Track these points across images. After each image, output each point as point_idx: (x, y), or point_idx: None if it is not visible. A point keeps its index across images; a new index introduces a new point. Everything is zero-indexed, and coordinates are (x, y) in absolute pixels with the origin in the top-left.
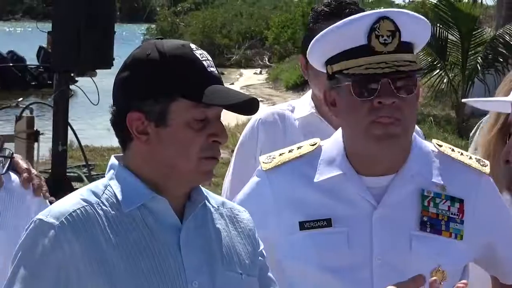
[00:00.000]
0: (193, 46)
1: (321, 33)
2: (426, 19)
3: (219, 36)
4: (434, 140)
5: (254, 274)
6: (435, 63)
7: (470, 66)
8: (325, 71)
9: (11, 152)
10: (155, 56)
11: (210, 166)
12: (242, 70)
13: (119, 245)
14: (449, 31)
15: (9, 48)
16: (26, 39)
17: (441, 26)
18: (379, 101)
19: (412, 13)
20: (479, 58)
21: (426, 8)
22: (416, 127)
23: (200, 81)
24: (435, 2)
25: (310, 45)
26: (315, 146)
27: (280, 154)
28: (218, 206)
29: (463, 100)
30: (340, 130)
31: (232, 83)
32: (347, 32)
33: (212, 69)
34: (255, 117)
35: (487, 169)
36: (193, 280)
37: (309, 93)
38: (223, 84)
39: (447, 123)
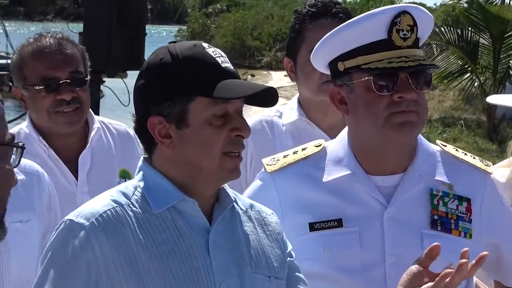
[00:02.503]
0: (205, 44)
1: (336, 29)
2: (431, 15)
3: (250, 38)
4: (438, 141)
5: (282, 277)
6: (466, 66)
7: (502, 69)
8: (327, 72)
9: (23, 143)
10: (168, 60)
11: (234, 163)
12: (273, 72)
13: (149, 246)
14: (480, 35)
15: None
16: None
17: (472, 29)
18: (400, 96)
19: (424, 9)
20: (511, 61)
21: (457, 11)
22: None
23: (214, 78)
24: (466, 5)
25: (320, 42)
26: (320, 147)
27: (285, 156)
28: (246, 209)
29: (487, 99)
30: (345, 130)
31: None
32: (367, 26)
33: (226, 64)
34: None
35: (490, 169)
36: (222, 282)
37: (295, 97)
38: (239, 78)
39: (478, 126)
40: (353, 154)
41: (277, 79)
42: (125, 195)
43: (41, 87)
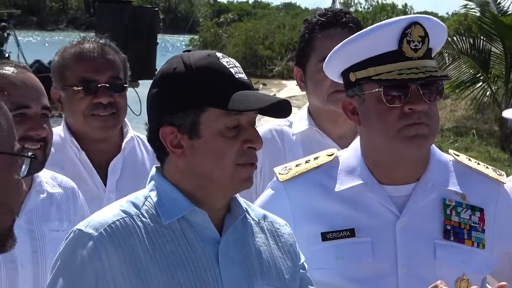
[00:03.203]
0: (219, 54)
1: (347, 39)
2: (444, 26)
3: (262, 48)
4: (451, 151)
5: None
6: (478, 75)
7: None
8: (340, 81)
9: (32, 154)
10: (181, 69)
11: (247, 173)
12: (285, 82)
13: (157, 257)
14: (492, 44)
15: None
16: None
17: (484, 38)
18: (410, 108)
19: (436, 19)
20: None
21: (469, 20)
22: None
23: (227, 89)
24: (478, 14)
25: (331, 52)
26: (332, 157)
27: (297, 165)
28: (258, 219)
29: (503, 114)
30: (357, 140)
31: (274, 95)
32: (378, 37)
33: (240, 75)
34: None
35: (504, 179)
36: None
37: (305, 106)
38: (253, 89)
39: (490, 136)
40: (365, 164)
41: (289, 88)
42: (135, 205)
43: (79, 88)
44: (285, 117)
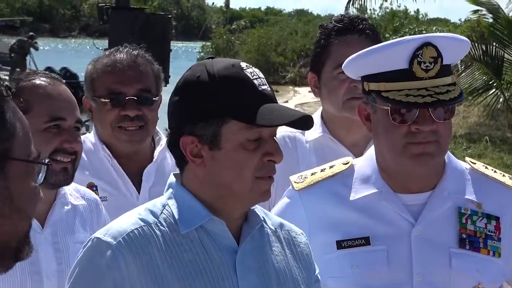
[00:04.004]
0: (243, 64)
1: (362, 51)
2: (466, 39)
3: (274, 54)
4: (467, 158)
5: None
6: (490, 82)
7: None
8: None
9: (48, 160)
10: (205, 78)
11: (266, 186)
12: (297, 88)
13: (175, 266)
14: (505, 50)
15: (63, 65)
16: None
17: (497, 45)
18: (416, 128)
19: (454, 36)
20: None
21: (481, 26)
22: None
23: (251, 102)
24: (491, 21)
25: (347, 60)
26: (348, 165)
27: (312, 174)
28: (275, 228)
29: None
30: (372, 148)
31: (287, 101)
32: (389, 54)
33: (263, 87)
34: None
35: None
36: None
37: (318, 113)
38: (276, 101)
39: (503, 142)
40: (380, 172)
41: (301, 95)
42: (153, 213)
43: (107, 100)
44: (306, 130)
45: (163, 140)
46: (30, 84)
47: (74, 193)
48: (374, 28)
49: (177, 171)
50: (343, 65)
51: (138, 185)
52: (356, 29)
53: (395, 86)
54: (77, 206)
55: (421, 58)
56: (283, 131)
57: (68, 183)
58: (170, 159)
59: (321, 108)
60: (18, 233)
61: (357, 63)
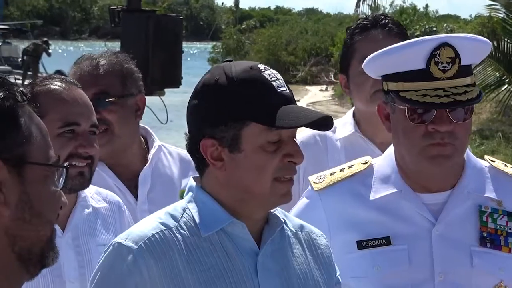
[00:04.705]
0: (261, 67)
1: (380, 51)
2: (486, 40)
3: (285, 54)
4: (486, 156)
5: None
6: (503, 78)
7: None
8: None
9: (68, 164)
10: (223, 81)
11: (286, 188)
12: (308, 87)
13: (197, 270)
14: None
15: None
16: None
17: (509, 40)
18: (433, 127)
19: (473, 36)
20: None
21: (493, 22)
22: None
23: (270, 104)
24: (503, 16)
25: (367, 60)
26: (367, 165)
27: (331, 174)
28: (296, 230)
29: None
30: (391, 147)
31: (298, 100)
32: (407, 54)
33: (282, 88)
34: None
35: None
36: None
37: (350, 111)
38: (295, 102)
39: None
40: (399, 172)
41: (312, 94)
42: (173, 217)
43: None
44: (327, 130)
45: (157, 142)
46: (45, 89)
47: (95, 196)
48: (399, 23)
49: (172, 172)
50: (363, 64)
51: (134, 190)
52: (379, 24)
53: (413, 86)
54: (99, 209)
55: (438, 59)
56: (312, 130)
57: (84, 187)
58: (165, 161)
59: (353, 107)
60: (41, 239)
61: (375, 63)
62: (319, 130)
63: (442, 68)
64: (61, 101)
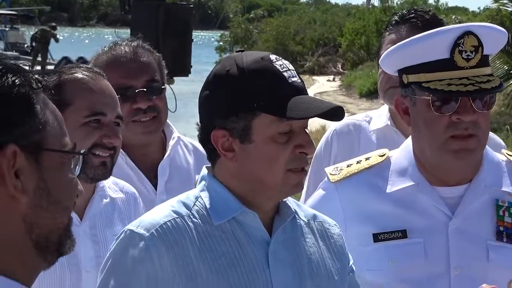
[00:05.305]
0: (273, 57)
1: (402, 42)
2: (505, 31)
3: (293, 43)
4: (503, 150)
5: None
6: (511, 71)
7: None
8: (396, 75)
9: (84, 150)
10: (235, 72)
11: (297, 179)
12: (315, 77)
13: (208, 258)
14: None
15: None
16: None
17: None
18: (458, 118)
19: (493, 26)
20: None
21: (501, 15)
22: (500, 139)
23: (281, 95)
24: (511, 10)
25: (386, 52)
26: (384, 157)
27: (348, 166)
28: (308, 220)
29: None
30: (409, 139)
31: None
32: (429, 44)
33: (293, 79)
34: (331, 128)
35: None
36: None
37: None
38: (306, 93)
39: None
40: (416, 165)
41: (320, 84)
42: (185, 205)
43: (117, 96)
44: (338, 120)
45: (175, 133)
46: (72, 78)
47: (112, 186)
48: (428, 19)
49: (188, 163)
50: (379, 60)
51: (152, 180)
52: (404, 19)
53: (436, 76)
54: (116, 199)
55: (462, 47)
56: (349, 118)
57: (106, 177)
58: (181, 152)
59: None
60: (58, 226)
61: (395, 55)
62: (330, 120)
63: (466, 57)
64: (88, 91)
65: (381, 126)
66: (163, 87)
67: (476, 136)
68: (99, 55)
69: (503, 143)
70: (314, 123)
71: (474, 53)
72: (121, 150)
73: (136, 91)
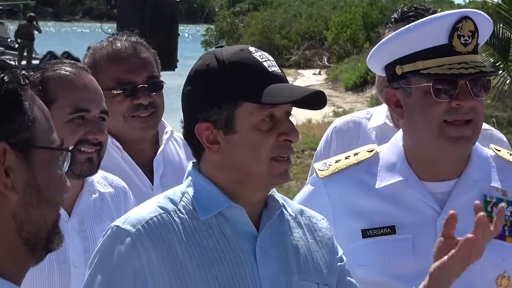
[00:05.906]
0: (252, 49)
1: (397, 31)
2: (491, 19)
3: (278, 37)
4: (492, 145)
5: (331, 283)
6: (497, 64)
7: None
8: (383, 74)
9: (72, 147)
10: (215, 65)
11: (283, 168)
12: (301, 71)
13: (195, 253)
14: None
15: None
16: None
17: (503, 26)
18: (458, 103)
19: (484, 14)
20: None
21: (487, 7)
22: (501, 135)
23: (261, 83)
24: (497, 1)
25: (378, 45)
26: (372, 153)
27: (337, 161)
28: (295, 214)
29: None
30: (398, 134)
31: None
32: (428, 30)
33: (273, 68)
34: (331, 126)
35: None
36: None
37: None
38: (286, 82)
39: (510, 124)
40: (406, 160)
41: (306, 78)
42: (172, 201)
43: (119, 92)
44: (321, 108)
45: (168, 127)
46: (55, 74)
47: (102, 180)
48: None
49: (180, 158)
50: (369, 55)
51: (148, 175)
52: (404, 17)
53: (435, 63)
54: (105, 194)
55: (460, 32)
56: (350, 116)
57: (93, 173)
58: (172, 147)
59: None
60: (47, 223)
61: (388, 47)
62: (310, 108)
63: (464, 42)
64: (71, 87)
65: (380, 124)
66: (163, 83)
67: (473, 121)
68: (98, 49)
69: (505, 139)
70: (300, 116)
71: (471, 38)
72: (117, 145)
73: (138, 86)
